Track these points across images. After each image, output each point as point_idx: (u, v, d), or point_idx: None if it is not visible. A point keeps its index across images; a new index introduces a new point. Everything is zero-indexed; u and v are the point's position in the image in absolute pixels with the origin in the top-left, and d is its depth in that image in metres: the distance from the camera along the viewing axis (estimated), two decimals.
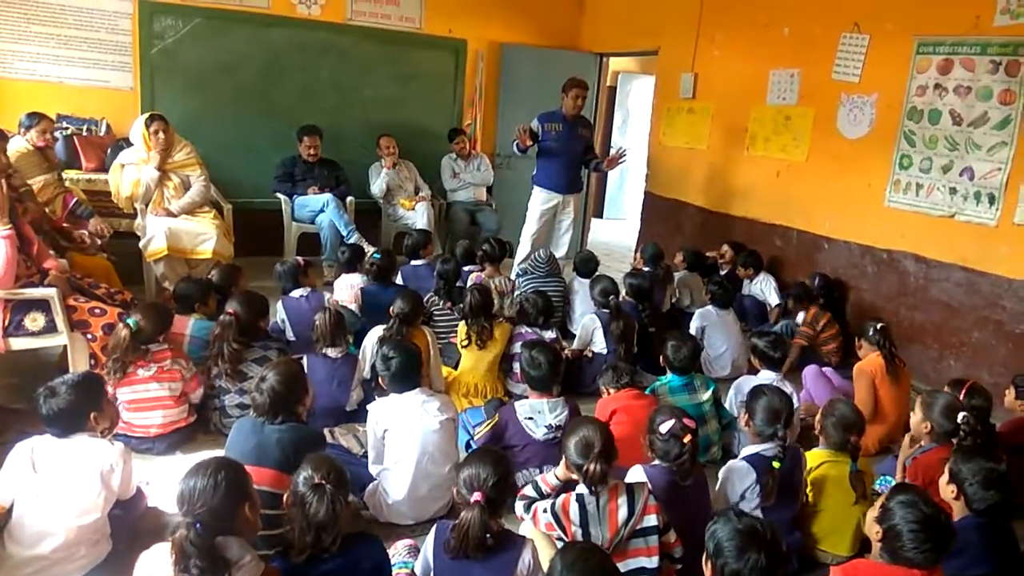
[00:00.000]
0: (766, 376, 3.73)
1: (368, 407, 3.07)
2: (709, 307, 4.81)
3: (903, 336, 4.93)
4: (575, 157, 5.89)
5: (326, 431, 3.26)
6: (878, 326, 3.93)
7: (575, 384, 4.18)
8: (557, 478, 2.54)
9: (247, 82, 6.54)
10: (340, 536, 2.07)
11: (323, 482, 2.04)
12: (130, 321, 3.17)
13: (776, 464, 2.66)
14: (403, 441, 2.89)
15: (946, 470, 2.55)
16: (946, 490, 2.53)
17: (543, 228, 6.03)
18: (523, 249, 5.99)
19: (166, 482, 2.95)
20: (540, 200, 5.97)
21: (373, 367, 3.81)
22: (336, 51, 6.82)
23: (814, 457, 2.86)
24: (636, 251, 6.54)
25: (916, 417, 3.14)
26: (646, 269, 5.50)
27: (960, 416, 2.94)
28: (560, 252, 5.88)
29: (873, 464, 3.33)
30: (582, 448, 2.34)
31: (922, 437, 3.12)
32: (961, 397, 3.19)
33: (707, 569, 1.94)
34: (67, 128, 5.76)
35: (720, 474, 2.85)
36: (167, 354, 3.29)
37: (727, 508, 2.29)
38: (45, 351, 3.64)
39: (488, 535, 2.07)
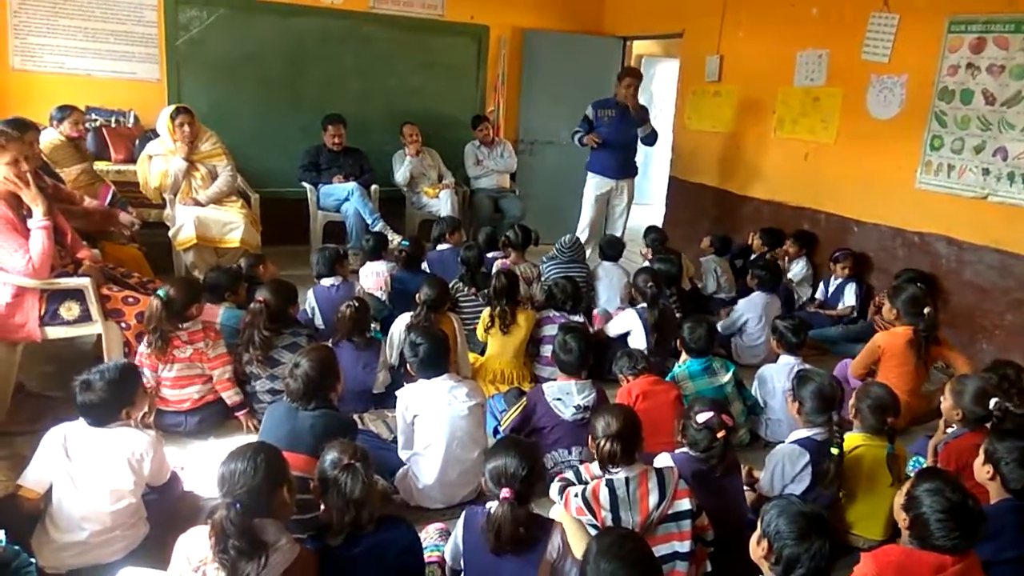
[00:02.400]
0: (785, 361, 3.72)
1: (397, 393, 3.10)
2: (756, 294, 4.74)
3: None
4: (628, 142, 5.93)
5: (355, 417, 3.30)
6: (926, 311, 3.80)
7: (599, 369, 4.15)
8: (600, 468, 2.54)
9: (272, 72, 6.58)
10: (375, 515, 2.10)
11: (352, 461, 2.07)
12: (160, 292, 3.26)
13: (835, 451, 2.64)
14: (432, 427, 2.92)
15: (981, 451, 2.52)
16: (981, 471, 2.50)
17: (598, 214, 6.16)
18: (581, 234, 6.04)
19: (201, 467, 3.01)
20: (593, 186, 6.13)
21: (401, 353, 3.84)
22: (359, 39, 6.84)
23: (849, 440, 2.83)
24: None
25: (947, 403, 3.10)
26: (646, 250, 5.50)
27: (992, 401, 2.89)
28: (616, 235, 5.94)
29: (907, 445, 3.29)
30: (603, 426, 2.39)
31: (954, 423, 3.08)
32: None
33: (758, 549, 1.93)
34: (96, 120, 5.84)
35: (768, 458, 2.83)
36: (199, 335, 3.37)
37: (787, 495, 2.27)
38: (80, 339, 3.70)
39: (521, 528, 2.08)
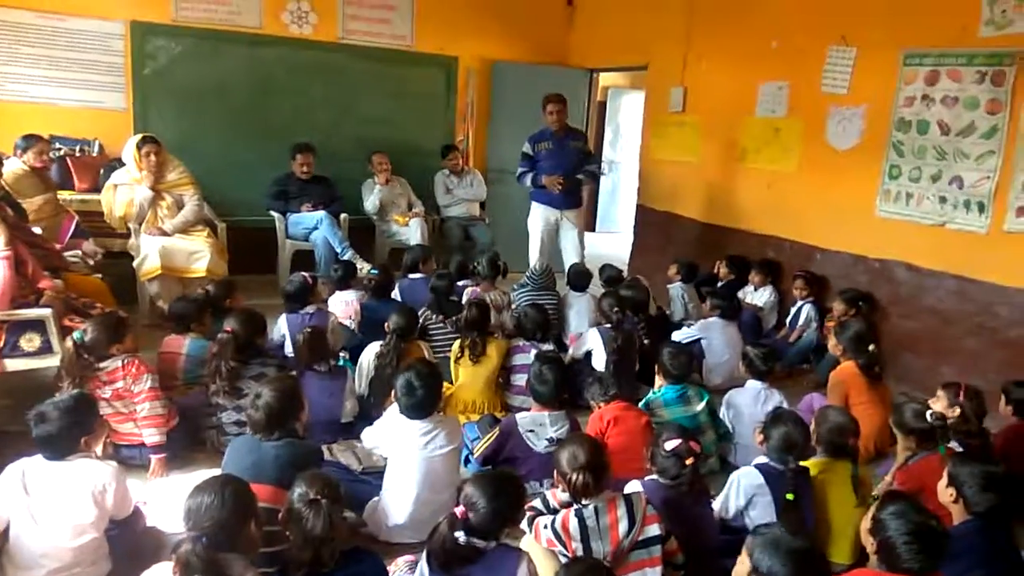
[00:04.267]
0: (753, 386, 3.76)
1: (362, 434, 3.05)
2: (713, 319, 4.80)
3: (896, 344, 4.96)
4: (568, 172, 5.79)
5: (324, 448, 3.25)
6: (871, 348, 3.91)
7: (573, 396, 4.17)
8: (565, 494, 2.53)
9: (240, 101, 6.57)
10: (338, 551, 2.07)
11: (319, 497, 2.05)
12: (76, 334, 3.10)
13: (789, 496, 2.65)
14: (404, 468, 2.87)
15: (945, 474, 2.57)
16: (944, 493, 2.54)
17: (548, 244, 5.98)
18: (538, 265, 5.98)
19: (164, 501, 2.94)
20: (538, 216, 5.96)
21: (371, 383, 3.82)
22: (329, 69, 6.86)
23: (812, 466, 2.87)
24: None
25: (899, 436, 3.19)
26: (637, 280, 5.54)
27: (928, 414, 3.01)
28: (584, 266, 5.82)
29: (874, 469, 3.34)
30: (570, 459, 2.37)
31: (914, 451, 3.14)
32: (960, 397, 3.21)
33: None
34: (60, 149, 5.75)
35: (728, 482, 2.86)
36: (118, 373, 3.16)
37: (771, 523, 2.28)
38: (40, 372, 3.61)
39: (457, 548, 2.05)
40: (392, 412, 3.01)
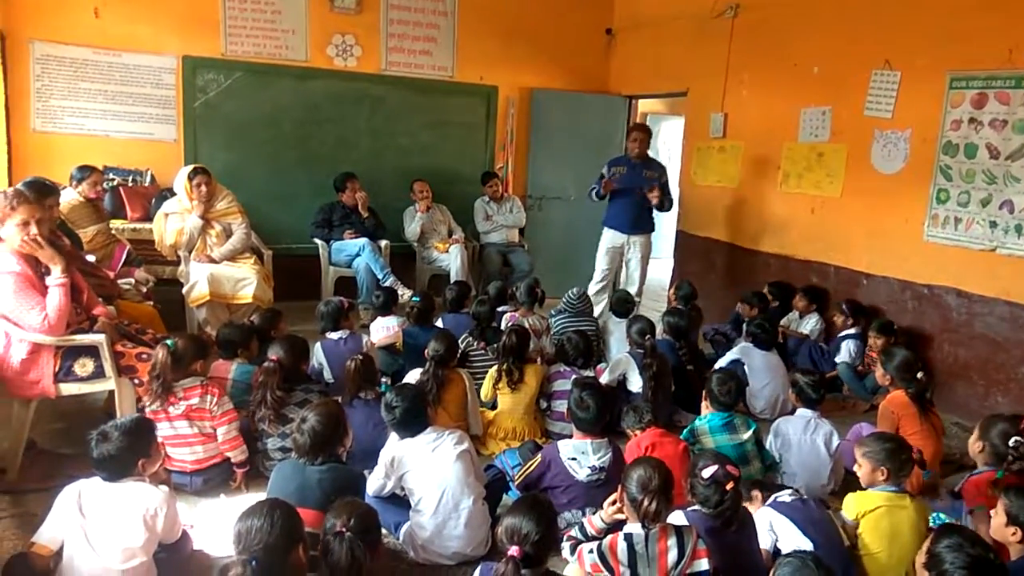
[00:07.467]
0: (803, 415, 3.69)
1: (367, 488, 3.05)
2: (749, 345, 4.76)
3: (947, 372, 4.84)
4: (639, 197, 6.02)
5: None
6: (919, 376, 3.80)
7: (613, 422, 4.13)
8: (603, 521, 2.51)
9: (286, 132, 6.73)
10: None
11: (343, 529, 2.06)
12: (169, 342, 3.26)
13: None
14: (422, 480, 2.90)
15: (1002, 511, 2.47)
16: (1005, 532, 2.45)
17: (612, 266, 6.34)
18: (593, 287, 6.27)
19: (211, 525, 2.98)
20: (606, 239, 6.32)
21: None
22: (372, 100, 7.01)
23: (869, 500, 2.79)
24: (670, 289, 6.51)
25: (973, 436, 3.15)
26: (678, 307, 5.49)
27: (1012, 440, 2.93)
28: (632, 289, 6.17)
29: (926, 499, 3.24)
30: (641, 484, 2.35)
31: (976, 458, 3.10)
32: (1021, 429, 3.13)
33: None
34: (113, 179, 5.95)
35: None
36: (196, 391, 3.28)
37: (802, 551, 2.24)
38: (91, 396, 3.71)
39: None
40: (391, 441, 3.04)
